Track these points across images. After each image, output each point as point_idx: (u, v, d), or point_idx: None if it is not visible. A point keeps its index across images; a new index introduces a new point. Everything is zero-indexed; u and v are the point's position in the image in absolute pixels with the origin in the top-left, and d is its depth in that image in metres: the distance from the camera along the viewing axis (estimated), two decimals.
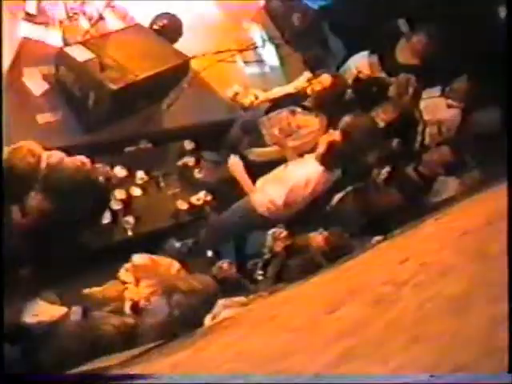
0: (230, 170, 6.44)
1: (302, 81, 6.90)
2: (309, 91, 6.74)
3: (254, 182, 6.38)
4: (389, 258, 3.13)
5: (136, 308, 5.22)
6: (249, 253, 6.65)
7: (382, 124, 6.90)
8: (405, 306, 2.09)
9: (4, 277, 4.23)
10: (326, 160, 6.17)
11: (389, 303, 2.19)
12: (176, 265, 5.57)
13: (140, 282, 5.36)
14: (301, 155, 6.56)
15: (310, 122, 6.72)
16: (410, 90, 7.02)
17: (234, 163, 6.43)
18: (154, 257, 5.52)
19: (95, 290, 5.27)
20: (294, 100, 6.83)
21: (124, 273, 5.33)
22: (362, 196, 6.68)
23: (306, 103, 6.77)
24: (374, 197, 6.66)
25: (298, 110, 6.76)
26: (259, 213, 6.30)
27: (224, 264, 6.01)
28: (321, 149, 6.21)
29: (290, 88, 6.97)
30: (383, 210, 6.59)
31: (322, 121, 6.72)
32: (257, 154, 6.71)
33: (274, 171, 6.42)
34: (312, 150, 6.60)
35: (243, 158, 6.62)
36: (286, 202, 6.23)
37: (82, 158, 5.53)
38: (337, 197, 6.65)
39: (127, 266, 5.34)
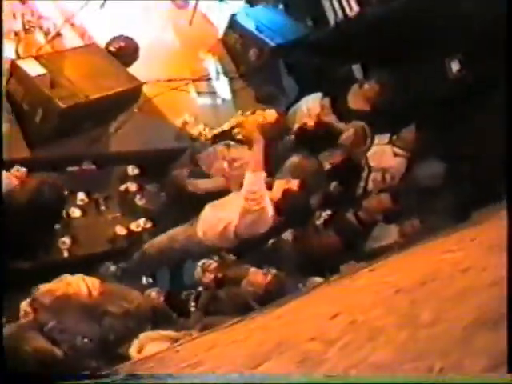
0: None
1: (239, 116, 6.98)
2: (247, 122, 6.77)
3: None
4: (320, 309, 3.12)
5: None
6: (187, 283, 6.59)
7: (327, 166, 6.97)
8: (329, 369, 2.07)
9: None
10: (279, 206, 6.17)
11: (315, 363, 2.17)
12: (83, 286, 5.33)
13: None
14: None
15: (243, 155, 6.72)
16: (368, 141, 7.11)
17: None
18: (56, 288, 5.21)
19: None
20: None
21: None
22: (301, 237, 6.69)
23: (240, 137, 6.79)
24: (313, 239, 6.67)
25: (232, 143, 6.80)
26: (199, 240, 6.24)
27: (152, 292, 5.93)
28: (275, 194, 6.18)
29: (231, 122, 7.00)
30: (322, 252, 6.60)
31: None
32: (199, 184, 6.68)
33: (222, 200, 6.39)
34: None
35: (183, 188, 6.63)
36: (234, 230, 6.19)
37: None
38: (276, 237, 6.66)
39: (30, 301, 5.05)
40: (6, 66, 6.28)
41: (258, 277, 5.74)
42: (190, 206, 6.54)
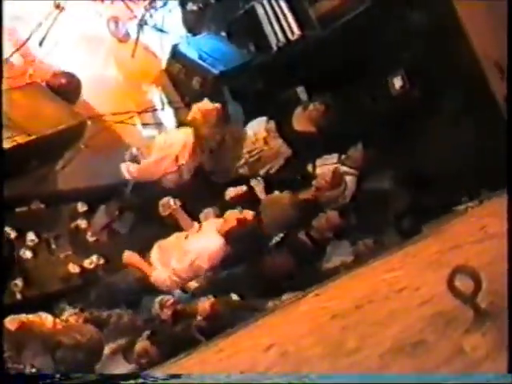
0: (126, 261, 6.41)
1: None
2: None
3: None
4: (259, 341, 3.12)
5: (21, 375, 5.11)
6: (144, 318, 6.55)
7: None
8: None
9: None
10: (231, 236, 6.23)
11: None
12: (50, 318, 5.50)
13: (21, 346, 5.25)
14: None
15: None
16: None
17: (129, 255, 6.39)
18: (25, 317, 5.36)
19: None
20: None
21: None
22: (255, 261, 6.68)
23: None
24: (266, 261, 6.66)
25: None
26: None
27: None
28: (227, 224, 6.26)
29: None
30: (276, 274, 6.60)
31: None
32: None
33: (172, 239, 6.44)
34: None
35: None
36: (189, 274, 6.26)
37: None
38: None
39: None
40: None
41: (204, 305, 5.79)
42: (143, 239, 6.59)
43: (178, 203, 6.56)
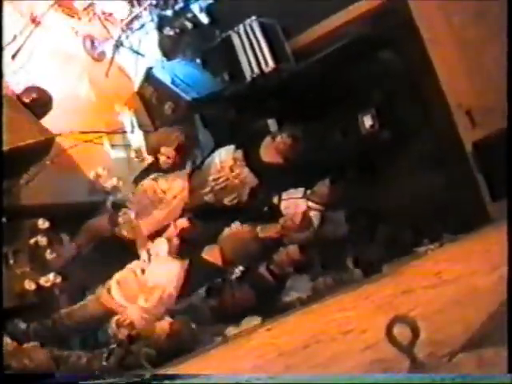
0: None
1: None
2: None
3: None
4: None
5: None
6: (101, 340, 6.50)
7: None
8: None
9: None
10: (179, 250, 6.25)
11: None
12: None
13: None
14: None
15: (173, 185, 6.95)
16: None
17: None
18: None
19: None
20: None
21: None
22: (215, 292, 6.68)
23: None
24: (226, 293, 6.66)
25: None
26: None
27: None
28: (174, 242, 6.27)
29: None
30: (235, 306, 6.60)
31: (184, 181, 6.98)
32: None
33: (127, 273, 6.41)
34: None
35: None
36: (161, 309, 6.26)
37: None
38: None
39: None
40: None
41: (163, 325, 5.79)
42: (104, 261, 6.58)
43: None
